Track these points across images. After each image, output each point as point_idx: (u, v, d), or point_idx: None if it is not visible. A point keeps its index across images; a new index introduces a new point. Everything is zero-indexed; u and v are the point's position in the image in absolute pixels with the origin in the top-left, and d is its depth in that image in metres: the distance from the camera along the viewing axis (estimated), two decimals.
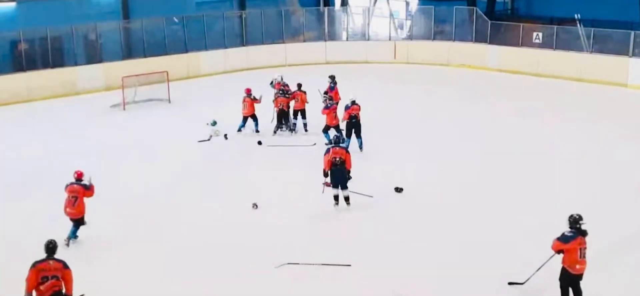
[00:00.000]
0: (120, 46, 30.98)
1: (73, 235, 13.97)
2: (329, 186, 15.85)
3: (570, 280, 10.94)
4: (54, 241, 10.31)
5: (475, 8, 33.12)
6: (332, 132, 18.50)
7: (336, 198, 15.76)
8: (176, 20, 31.99)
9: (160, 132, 22.61)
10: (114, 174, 18.54)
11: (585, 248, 10.77)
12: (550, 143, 20.73)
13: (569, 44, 29.65)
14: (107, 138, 22.10)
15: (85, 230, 14.31)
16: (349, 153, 15.81)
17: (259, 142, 21.01)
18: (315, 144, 19.75)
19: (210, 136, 21.24)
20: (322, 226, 14.98)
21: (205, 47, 32.44)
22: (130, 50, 31.20)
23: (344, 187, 15.55)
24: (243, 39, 34.10)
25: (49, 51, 28.45)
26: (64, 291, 10.00)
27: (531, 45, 30.75)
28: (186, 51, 31.80)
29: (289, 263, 12.96)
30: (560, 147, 20.22)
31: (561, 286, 11.08)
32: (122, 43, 31.15)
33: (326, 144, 18.42)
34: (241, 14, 34.64)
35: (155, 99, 26.65)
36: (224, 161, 19.65)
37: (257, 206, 15.87)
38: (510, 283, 11.97)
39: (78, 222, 14.00)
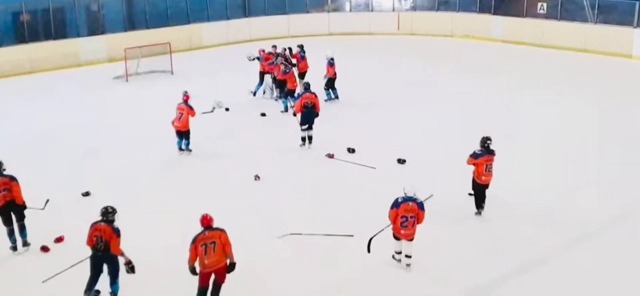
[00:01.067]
0: (123, 17, 31.00)
1: (186, 146, 17.86)
2: (332, 157, 16.11)
3: (478, 188, 13.84)
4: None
5: None
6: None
7: (303, 139, 18.03)
8: None
9: (163, 104, 22.62)
10: (117, 145, 18.72)
11: (490, 164, 13.54)
12: (553, 113, 20.85)
13: (574, 14, 29.61)
14: (110, 110, 22.23)
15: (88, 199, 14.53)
16: (317, 97, 18.08)
17: (263, 114, 21.14)
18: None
19: (213, 108, 21.27)
20: (325, 196, 15.09)
21: (208, 19, 32.45)
22: (132, 21, 31.20)
23: (311, 128, 17.90)
24: (245, 10, 34.04)
25: (51, 22, 28.50)
26: None
27: (535, 15, 30.70)
28: (188, 22, 31.82)
29: (291, 233, 13.12)
30: (563, 117, 20.29)
31: (474, 193, 13.96)
32: (125, 14, 31.17)
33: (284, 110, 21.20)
34: None
35: (158, 71, 26.72)
36: (226, 133, 19.75)
37: (259, 177, 15.99)
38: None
39: (183, 134, 17.71)
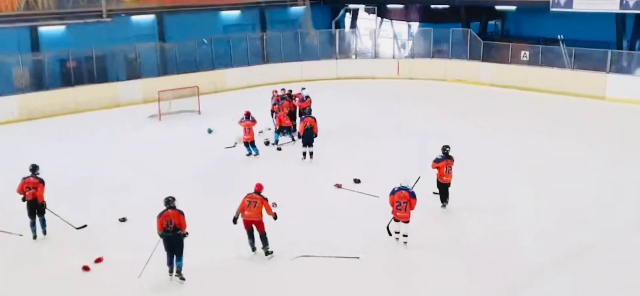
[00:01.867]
0: (157, 64, 31.23)
1: (256, 152, 20.19)
2: (340, 187, 16.44)
3: (441, 186, 15.51)
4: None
5: (469, 30, 33.09)
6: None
7: (304, 154, 19.75)
8: (205, 41, 32.15)
9: (192, 140, 22.76)
10: (151, 177, 18.76)
11: (450, 167, 15.30)
12: (535, 149, 20.77)
13: (553, 61, 29.58)
14: (145, 145, 22.32)
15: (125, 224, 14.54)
16: (316, 121, 19.77)
17: (278, 149, 21.19)
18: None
19: (235, 143, 21.33)
20: (334, 223, 15.03)
21: (231, 65, 32.57)
22: (165, 67, 31.40)
23: (311, 145, 19.66)
24: (264, 57, 34.22)
25: (94, 68, 28.74)
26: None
27: (519, 62, 30.68)
28: (214, 68, 31.94)
29: (304, 255, 13.08)
30: (543, 153, 20.20)
31: (439, 191, 15.58)
32: (158, 61, 31.39)
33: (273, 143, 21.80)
34: (262, 36, 34.76)
35: (187, 111, 26.81)
36: (246, 163, 19.75)
37: (276, 205, 15.93)
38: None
39: (251, 143, 20.05)
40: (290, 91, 23.60)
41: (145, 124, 25.67)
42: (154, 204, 16.11)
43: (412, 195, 13.31)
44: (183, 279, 12.26)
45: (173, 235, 12.05)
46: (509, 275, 12.30)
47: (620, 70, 27.89)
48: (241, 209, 13.00)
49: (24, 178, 14.20)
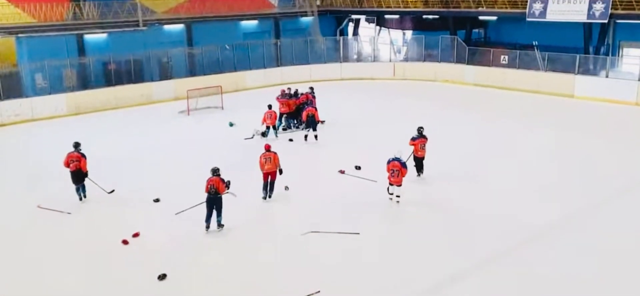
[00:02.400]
0: (186, 66, 31.21)
1: (276, 135, 21.07)
2: (343, 173, 16.46)
3: (417, 160, 16.46)
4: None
5: (456, 37, 32.96)
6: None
7: (306, 136, 20.66)
8: (227, 47, 32.14)
9: (216, 132, 22.80)
10: (180, 162, 18.83)
11: (423, 144, 16.32)
12: (510, 134, 20.97)
13: (529, 64, 29.40)
14: (176, 136, 22.35)
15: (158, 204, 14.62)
16: (317, 110, 20.94)
17: (290, 140, 21.19)
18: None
19: (253, 135, 21.35)
20: (338, 203, 15.03)
21: (250, 67, 32.55)
22: (193, 69, 31.38)
23: (315, 129, 20.43)
24: (278, 61, 34.17)
25: (131, 69, 28.79)
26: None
27: (499, 65, 30.52)
28: (235, 70, 31.94)
29: (312, 231, 13.12)
30: (516, 138, 20.23)
31: (415, 164, 16.41)
32: (187, 64, 31.39)
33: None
34: (277, 42, 34.71)
35: (212, 107, 26.82)
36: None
37: (288, 188, 16.00)
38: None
39: (274, 127, 20.99)
40: (296, 90, 23.50)
41: (176, 118, 25.68)
42: (183, 186, 16.36)
43: (403, 165, 14.61)
44: (222, 226, 13.46)
45: (214, 197, 13.26)
46: (481, 230, 12.35)
47: (587, 72, 27.75)
48: (261, 166, 14.88)
49: (69, 153, 15.24)
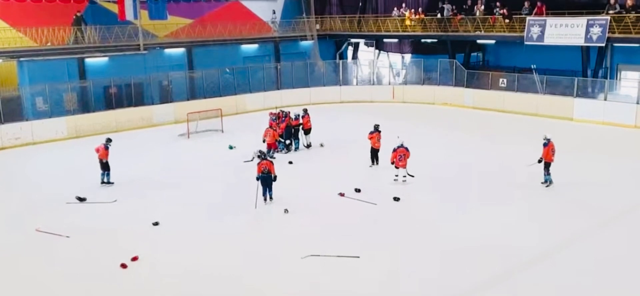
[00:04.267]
0: (186, 89, 31.28)
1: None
2: (343, 195, 16.65)
3: (373, 151, 19.89)
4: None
5: (454, 60, 33.10)
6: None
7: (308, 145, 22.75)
8: (228, 70, 32.27)
9: (216, 155, 22.76)
10: (181, 184, 18.77)
11: (379, 138, 19.77)
12: (508, 154, 21.08)
13: (527, 87, 29.49)
14: (177, 159, 22.31)
15: (157, 228, 14.51)
16: (309, 120, 22.97)
17: (290, 162, 21.16)
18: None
19: (253, 158, 21.31)
20: (336, 227, 14.96)
21: (250, 90, 32.65)
22: (193, 92, 31.46)
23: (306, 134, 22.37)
24: (278, 84, 34.27)
25: (132, 93, 28.84)
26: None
27: (498, 88, 30.61)
28: (235, 93, 32.02)
29: (312, 255, 13.02)
30: (517, 165, 20.10)
31: (370, 154, 19.94)
32: (188, 87, 31.46)
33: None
34: (276, 66, 34.86)
35: (212, 130, 26.83)
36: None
37: (288, 211, 15.93)
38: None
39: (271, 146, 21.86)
40: (288, 112, 23.57)
41: (176, 141, 25.67)
42: (183, 209, 16.27)
43: (407, 150, 18.00)
44: (271, 199, 16.59)
45: (267, 176, 16.29)
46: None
47: (585, 95, 27.81)
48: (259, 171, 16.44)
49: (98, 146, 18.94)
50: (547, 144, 17.36)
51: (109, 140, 19.21)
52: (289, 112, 23.55)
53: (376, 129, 20.04)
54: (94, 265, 12.96)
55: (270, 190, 16.64)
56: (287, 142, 22.72)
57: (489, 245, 13.56)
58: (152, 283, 11.97)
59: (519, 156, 20.92)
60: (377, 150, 19.91)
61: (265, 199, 16.52)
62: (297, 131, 23.07)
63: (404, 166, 17.94)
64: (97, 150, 18.89)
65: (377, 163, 19.91)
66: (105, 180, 18.83)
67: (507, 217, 15.35)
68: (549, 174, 17.45)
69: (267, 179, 16.40)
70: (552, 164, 17.45)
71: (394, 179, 18.14)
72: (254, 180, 16.61)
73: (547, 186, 17.42)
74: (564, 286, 11.51)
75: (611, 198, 16.60)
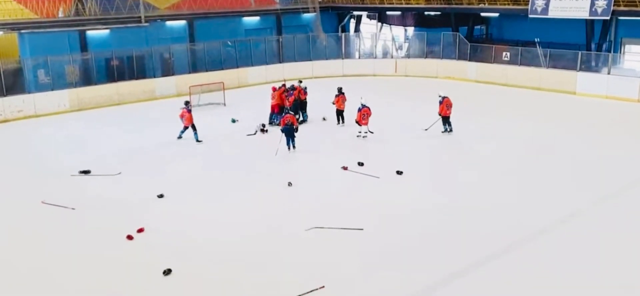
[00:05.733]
0: (188, 62, 31.23)
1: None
2: (346, 169, 16.65)
3: (338, 112, 21.80)
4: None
5: (458, 33, 32.97)
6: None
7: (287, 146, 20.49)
8: (230, 43, 32.17)
9: (218, 128, 22.82)
10: (184, 157, 18.88)
11: (343, 100, 21.70)
12: (510, 128, 21.05)
13: (530, 61, 29.43)
14: (178, 132, 22.31)
15: (162, 200, 14.66)
16: (295, 115, 20.72)
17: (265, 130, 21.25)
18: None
19: (255, 131, 21.40)
20: (341, 200, 15.09)
21: (252, 64, 32.57)
22: (195, 65, 31.42)
23: (293, 139, 19.49)
24: (280, 57, 34.20)
25: (134, 66, 28.82)
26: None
27: (501, 62, 30.55)
28: (237, 67, 31.96)
29: (315, 227, 13.16)
30: (519, 137, 20.19)
31: (336, 114, 21.87)
32: (189, 60, 31.41)
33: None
34: (279, 38, 34.74)
35: (214, 103, 26.88)
36: (265, 149, 19.68)
37: (291, 184, 16.04)
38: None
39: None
40: (292, 85, 23.51)
41: (178, 114, 25.66)
42: (187, 181, 16.39)
43: (369, 109, 19.73)
44: (294, 147, 18.75)
45: (290, 127, 18.49)
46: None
47: (589, 68, 27.75)
48: (283, 124, 18.68)
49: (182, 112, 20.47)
50: (443, 101, 20.26)
51: (187, 102, 20.92)
52: (293, 85, 23.47)
53: (340, 92, 21.85)
54: (100, 237, 13.12)
55: (293, 140, 18.76)
56: (296, 116, 22.62)
57: (497, 213, 13.72)
58: (158, 254, 12.14)
59: (519, 127, 21.00)
60: (342, 111, 21.78)
61: (288, 148, 18.71)
62: (305, 104, 23.06)
63: (366, 124, 19.79)
64: (182, 115, 20.31)
65: (343, 122, 21.82)
66: (195, 139, 20.38)
67: (514, 189, 15.46)
68: (449, 125, 20.36)
69: (290, 130, 18.59)
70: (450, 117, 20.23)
71: (357, 136, 20.11)
72: (259, 152, 16.82)
73: (449, 133, 20.29)
74: (564, 260, 11.67)
75: (612, 174, 16.65)
